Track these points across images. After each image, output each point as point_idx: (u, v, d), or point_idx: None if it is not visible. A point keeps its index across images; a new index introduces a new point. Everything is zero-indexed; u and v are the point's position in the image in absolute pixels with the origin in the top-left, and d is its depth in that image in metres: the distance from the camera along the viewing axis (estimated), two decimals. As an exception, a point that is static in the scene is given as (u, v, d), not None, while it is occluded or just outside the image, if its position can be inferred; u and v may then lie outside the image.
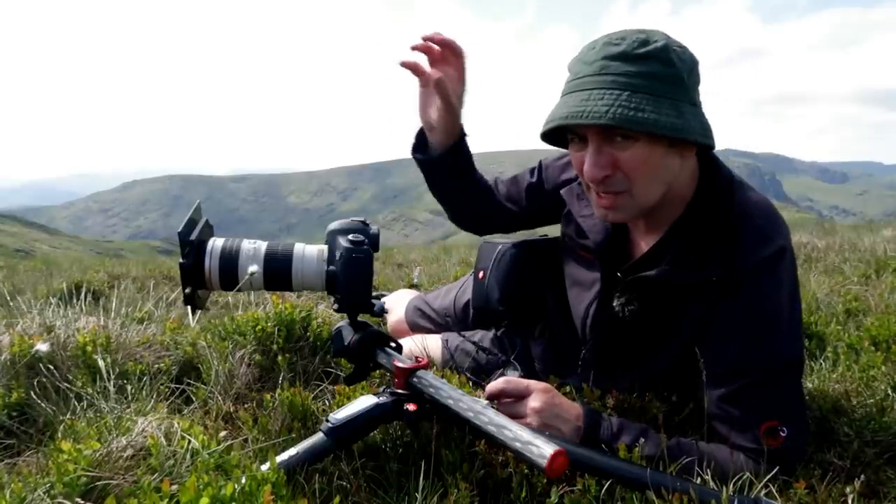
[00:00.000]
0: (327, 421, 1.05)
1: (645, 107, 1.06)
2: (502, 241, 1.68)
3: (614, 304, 1.30)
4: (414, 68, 1.38)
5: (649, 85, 1.07)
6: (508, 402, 1.16)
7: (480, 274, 1.68)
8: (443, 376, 1.39)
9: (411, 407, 1.06)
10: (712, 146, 1.14)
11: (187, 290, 1.20)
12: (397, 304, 2.10)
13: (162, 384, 1.40)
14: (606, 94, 1.07)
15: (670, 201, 1.20)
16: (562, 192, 1.46)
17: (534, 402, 1.12)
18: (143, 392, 1.31)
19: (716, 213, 1.17)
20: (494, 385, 1.17)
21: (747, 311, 1.13)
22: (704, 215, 1.18)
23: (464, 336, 1.69)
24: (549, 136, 1.24)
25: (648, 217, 1.25)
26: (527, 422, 1.11)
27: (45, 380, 1.36)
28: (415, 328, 1.96)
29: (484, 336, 1.69)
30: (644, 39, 1.10)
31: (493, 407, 0.97)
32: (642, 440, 1.08)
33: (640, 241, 1.32)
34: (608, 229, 1.34)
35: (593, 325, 1.37)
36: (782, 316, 1.14)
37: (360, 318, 1.26)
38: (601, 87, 1.09)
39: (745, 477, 0.98)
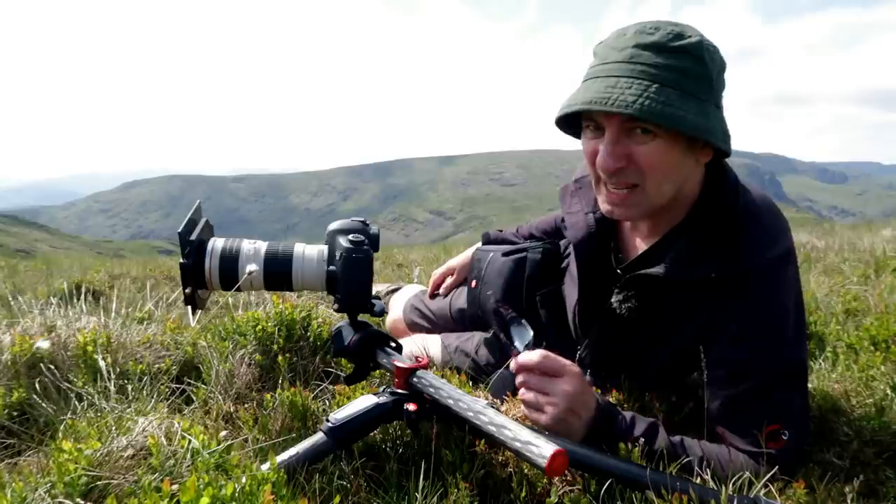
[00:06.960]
0: (327, 421, 1.06)
1: (673, 102, 1.01)
2: (494, 249, 1.66)
3: (612, 300, 1.27)
4: None
5: (679, 80, 1.03)
6: (538, 378, 1.09)
7: (473, 283, 1.67)
8: (443, 376, 1.39)
9: (411, 407, 1.06)
10: (729, 153, 1.12)
11: (188, 290, 1.20)
12: (395, 304, 2.10)
13: (162, 384, 1.40)
14: (635, 84, 1.02)
15: (676, 203, 1.17)
16: (559, 188, 1.44)
17: (567, 385, 1.06)
18: (144, 392, 1.31)
19: (721, 214, 1.14)
20: (530, 356, 1.09)
21: (755, 314, 1.11)
22: (709, 216, 1.15)
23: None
24: (563, 122, 1.18)
25: (652, 217, 1.22)
26: (553, 401, 1.05)
27: (45, 379, 1.36)
28: (412, 327, 1.96)
29: (482, 339, 1.69)
30: (679, 33, 1.06)
31: (492, 406, 0.97)
32: (642, 440, 1.08)
33: (640, 242, 1.30)
34: (591, 227, 1.32)
35: (580, 323, 1.36)
36: (789, 320, 1.12)
37: (360, 318, 1.27)
38: (629, 76, 1.04)
39: (744, 477, 0.98)
